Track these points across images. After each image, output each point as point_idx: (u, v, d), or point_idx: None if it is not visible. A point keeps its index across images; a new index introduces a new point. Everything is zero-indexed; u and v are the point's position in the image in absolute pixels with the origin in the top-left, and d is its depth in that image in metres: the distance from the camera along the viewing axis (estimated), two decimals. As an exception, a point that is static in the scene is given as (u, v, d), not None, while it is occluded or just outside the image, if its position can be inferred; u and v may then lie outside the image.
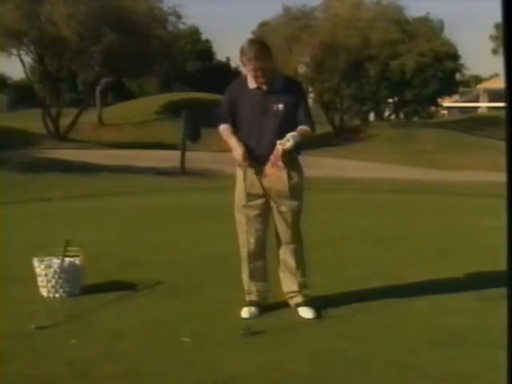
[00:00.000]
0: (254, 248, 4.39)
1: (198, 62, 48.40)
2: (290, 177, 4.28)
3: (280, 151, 4.09)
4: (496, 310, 3.83)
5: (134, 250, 6.70)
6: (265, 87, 4.25)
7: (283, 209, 4.32)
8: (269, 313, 4.41)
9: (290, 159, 4.23)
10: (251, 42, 4.32)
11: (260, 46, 4.21)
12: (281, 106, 4.22)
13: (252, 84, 4.28)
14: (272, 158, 4.12)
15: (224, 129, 4.38)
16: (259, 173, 4.27)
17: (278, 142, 4.10)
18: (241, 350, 3.71)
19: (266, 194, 4.31)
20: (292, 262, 4.41)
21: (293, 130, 4.20)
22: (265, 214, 4.36)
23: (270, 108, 4.23)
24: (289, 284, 4.46)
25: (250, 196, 4.31)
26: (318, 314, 4.32)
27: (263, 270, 4.49)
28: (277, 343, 3.86)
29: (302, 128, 4.25)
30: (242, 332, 3.93)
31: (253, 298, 4.46)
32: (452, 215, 9.56)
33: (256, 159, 4.25)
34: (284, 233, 4.37)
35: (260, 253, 4.43)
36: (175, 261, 6.08)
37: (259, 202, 4.31)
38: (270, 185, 4.26)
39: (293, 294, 4.44)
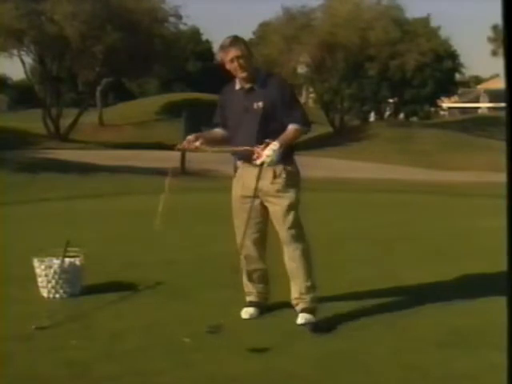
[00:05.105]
0: (250, 251, 4.31)
1: (198, 62, 48.43)
2: (276, 175, 4.11)
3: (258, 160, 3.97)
4: (496, 311, 3.84)
5: (134, 250, 6.70)
6: (247, 85, 4.20)
7: (274, 208, 4.19)
8: (269, 313, 4.40)
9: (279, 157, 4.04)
10: (227, 37, 4.25)
11: (234, 38, 4.18)
12: (260, 104, 4.13)
13: (238, 85, 4.27)
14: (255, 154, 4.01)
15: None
16: (248, 173, 4.17)
17: (265, 155, 3.94)
18: (241, 351, 3.71)
19: (258, 195, 4.16)
20: (290, 265, 4.25)
21: (276, 128, 4.09)
22: (261, 215, 4.24)
23: (251, 106, 4.17)
24: (292, 289, 4.29)
25: (244, 198, 4.24)
26: (315, 325, 4.10)
27: (262, 273, 4.42)
28: (277, 344, 3.86)
29: (291, 129, 4.11)
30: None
31: (253, 298, 4.44)
32: (452, 216, 9.56)
33: (243, 159, 4.21)
34: (280, 234, 4.24)
35: (258, 256, 4.35)
36: (175, 261, 6.08)
37: (254, 203, 4.16)
38: (259, 184, 4.10)
39: (294, 301, 4.29)
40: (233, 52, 4.12)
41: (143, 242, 7.22)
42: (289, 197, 4.17)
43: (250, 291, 4.45)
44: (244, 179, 4.24)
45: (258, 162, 3.97)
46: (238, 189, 4.30)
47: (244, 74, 4.16)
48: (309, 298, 4.22)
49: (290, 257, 4.23)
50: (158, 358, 3.62)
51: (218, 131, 4.43)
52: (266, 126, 4.12)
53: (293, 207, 4.18)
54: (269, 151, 3.94)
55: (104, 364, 3.53)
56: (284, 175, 4.14)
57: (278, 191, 4.14)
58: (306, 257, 4.24)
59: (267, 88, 4.17)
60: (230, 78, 4.38)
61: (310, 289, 4.24)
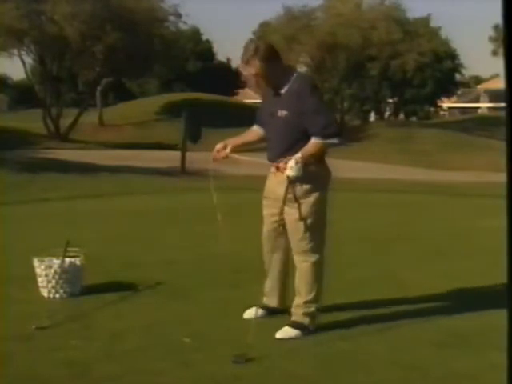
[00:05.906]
0: (268, 254, 4.21)
1: (198, 62, 48.43)
2: (290, 181, 3.87)
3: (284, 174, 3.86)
4: (496, 311, 3.84)
5: (135, 250, 6.70)
6: (275, 90, 4.02)
7: (287, 218, 4.01)
8: (269, 314, 4.40)
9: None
10: (251, 42, 4.06)
11: (254, 52, 3.92)
12: (284, 112, 3.95)
13: None
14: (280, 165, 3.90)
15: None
16: (272, 177, 4.11)
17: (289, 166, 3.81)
18: (241, 351, 3.70)
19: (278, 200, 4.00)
20: (296, 277, 4.08)
21: (301, 137, 3.93)
22: (283, 220, 4.05)
23: (276, 113, 4.00)
24: (295, 298, 4.15)
25: (266, 199, 4.19)
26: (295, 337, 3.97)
27: (279, 278, 4.28)
28: (277, 344, 3.86)
29: (311, 143, 3.91)
30: (233, 359, 3.56)
31: (263, 300, 4.32)
32: (452, 216, 9.56)
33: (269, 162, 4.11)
34: (291, 243, 4.06)
35: (276, 260, 4.20)
36: (176, 261, 6.08)
37: (276, 208, 4.02)
38: (278, 191, 3.97)
39: (291, 310, 4.14)
40: (245, 69, 3.97)
41: (143, 241, 7.23)
42: (302, 206, 3.95)
43: (265, 293, 4.31)
44: (269, 181, 4.20)
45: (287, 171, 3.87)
46: (265, 190, 4.25)
47: (257, 90, 4.10)
48: (302, 312, 4.05)
49: (297, 268, 4.08)
50: (158, 358, 3.62)
51: (255, 130, 4.33)
52: (290, 134, 3.96)
53: (307, 217, 3.96)
54: (288, 170, 3.82)
55: (104, 364, 3.53)
56: (298, 184, 3.91)
57: (290, 200, 3.95)
58: (315, 271, 4.03)
59: (293, 95, 3.93)
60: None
61: (309, 303, 4.06)
